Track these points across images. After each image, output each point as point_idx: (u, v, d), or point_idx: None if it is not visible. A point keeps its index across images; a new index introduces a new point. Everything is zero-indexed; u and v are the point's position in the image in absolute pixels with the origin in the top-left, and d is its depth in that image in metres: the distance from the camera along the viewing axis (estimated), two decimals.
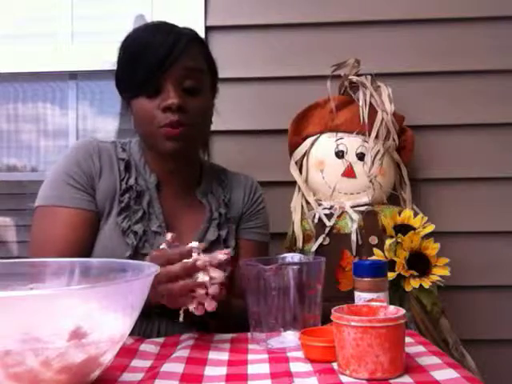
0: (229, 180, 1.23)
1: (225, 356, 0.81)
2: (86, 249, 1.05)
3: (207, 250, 0.95)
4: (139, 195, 1.10)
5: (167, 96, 1.03)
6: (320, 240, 1.35)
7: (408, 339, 0.82)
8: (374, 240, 1.32)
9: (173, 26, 1.09)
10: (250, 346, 0.86)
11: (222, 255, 0.85)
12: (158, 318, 1.06)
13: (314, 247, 1.35)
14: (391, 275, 1.20)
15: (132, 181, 1.11)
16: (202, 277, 0.84)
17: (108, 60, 1.61)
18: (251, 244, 1.21)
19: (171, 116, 1.03)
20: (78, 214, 1.06)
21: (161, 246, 0.90)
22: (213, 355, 0.81)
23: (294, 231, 1.41)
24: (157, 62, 1.02)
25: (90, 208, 1.07)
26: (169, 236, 0.90)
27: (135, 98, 1.06)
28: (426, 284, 1.22)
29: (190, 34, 1.09)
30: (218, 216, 1.16)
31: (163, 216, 1.11)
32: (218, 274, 0.83)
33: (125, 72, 1.09)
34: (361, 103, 1.43)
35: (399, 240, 1.24)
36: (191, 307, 0.82)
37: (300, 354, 0.79)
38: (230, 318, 1.01)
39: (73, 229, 1.05)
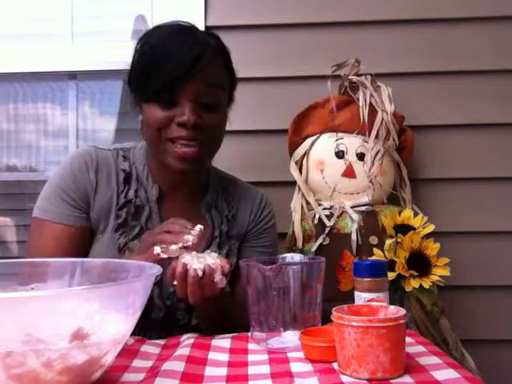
0: (236, 193, 1.18)
1: (225, 357, 0.81)
2: None
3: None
4: (138, 210, 1.07)
5: (183, 111, 0.99)
6: (320, 240, 1.35)
7: (408, 339, 0.82)
8: (374, 240, 1.32)
9: (198, 33, 1.05)
10: (250, 346, 0.86)
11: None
12: (159, 324, 1.06)
13: (314, 247, 1.35)
14: (391, 275, 1.20)
15: (131, 194, 1.08)
16: (197, 264, 0.87)
17: (108, 60, 1.63)
18: None
19: (184, 132, 0.99)
20: (69, 231, 1.04)
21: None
22: (213, 355, 0.81)
23: (294, 231, 1.41)
24: (178, 73, 0.97)
25: (81, 224, 1.06)
26: (197, 228, 0.91)
27: (147, 103, 1.02)
28: (426, 284, 1.22)
29: (216, 44, 1.05)
30: (219, 234, 1.12)
31: None
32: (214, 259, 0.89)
33: (141, 74, 1.03)
34: (361, 103, 1.43)
35: (399, 240, 1.25)
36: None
37: (300, 354, 0.79)
38: (225, 322, 1.02)
39: (62, 246, 1.03)
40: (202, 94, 1.01)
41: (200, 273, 0.87)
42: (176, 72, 0.98)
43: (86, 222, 1.06)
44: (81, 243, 1.06)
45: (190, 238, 0.89)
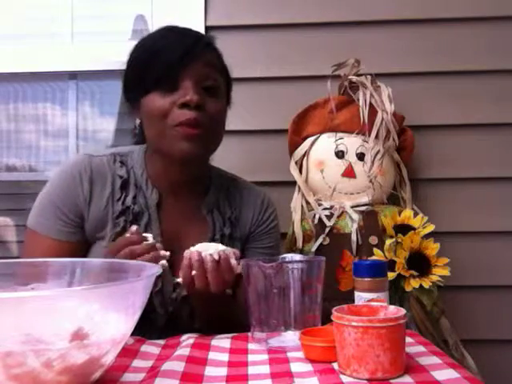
0: (238, 194, 1.17)
1: (225, 356, 0.80)
2: None
3: None
4: (136, 217, 1.05)
5: (186, 92, 0.99)
6: (320, 240, 1.35)
7: (408, 339, 0.82)
8: (374, 240, 1.32)
9: (193, 30, 1.08)
10: (250, 346, 0.86)
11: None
12: (161, 328, 1.06)
13: (314, 247, 1.35)
14: (391, 275, 1.20)
15: (129, 200, 1.05)
16: (211, 250, 0.89)
17: (108, 60, 1.63)
18: None
19: (188, 113, 0.98)
20: (59, 245, 1.03)
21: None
22: (213, 355, 0.81)
23: (294, 231, 1.41)
24: (177, 57, 0.99)
25: (72, 239, 1.04)
26: (133, 228, 0.93)
27: (147, 95, 1.01)
28: (426, 284, 1.22)
29: (209, 39, 1.08)
30: (221, 237, 1.11)
31: (161, 237, 1.06)
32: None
33: (139, 68, 1.03)
34: (361, 103, 1.43)
35: (399, 240, 1.25)
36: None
37: (300, 354, 0.79)
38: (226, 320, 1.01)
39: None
40: (202, 75, 1.01)
41: (216, 256, 0.88)
42: (174, 57, 0.99)
43: (77, 236, 1.05)
44: (71, 257, 1.02)
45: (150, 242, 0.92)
